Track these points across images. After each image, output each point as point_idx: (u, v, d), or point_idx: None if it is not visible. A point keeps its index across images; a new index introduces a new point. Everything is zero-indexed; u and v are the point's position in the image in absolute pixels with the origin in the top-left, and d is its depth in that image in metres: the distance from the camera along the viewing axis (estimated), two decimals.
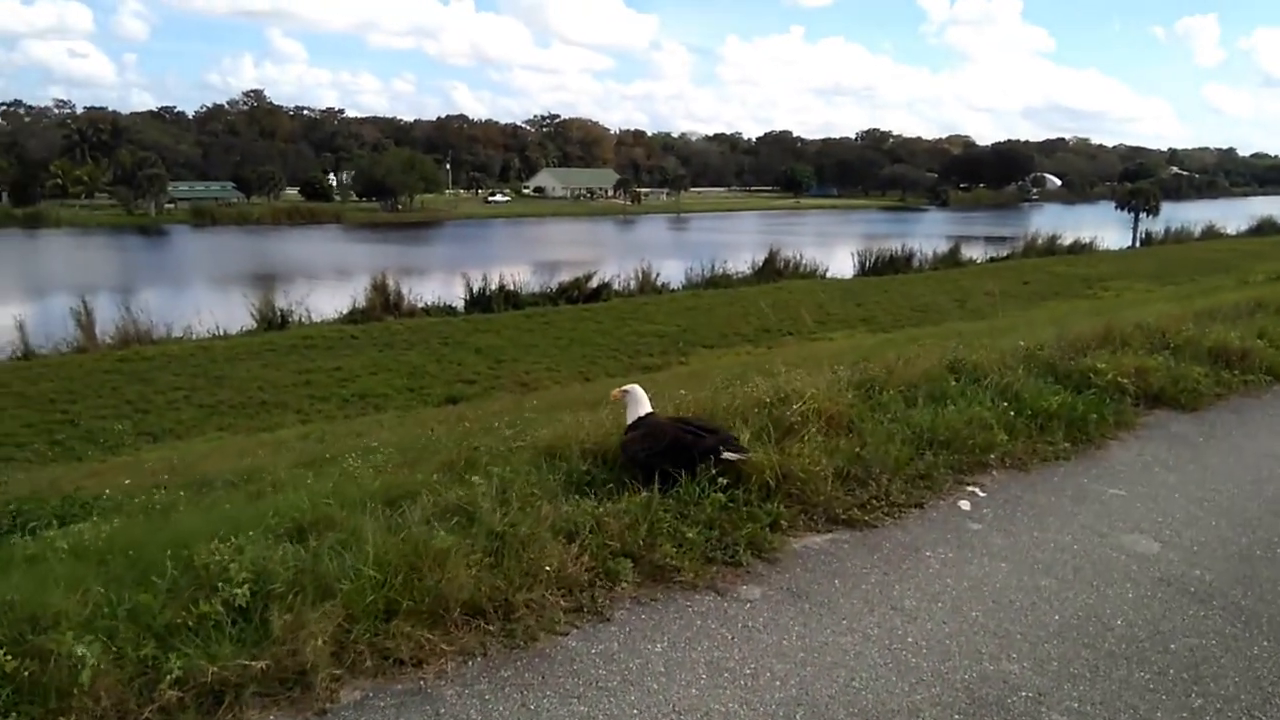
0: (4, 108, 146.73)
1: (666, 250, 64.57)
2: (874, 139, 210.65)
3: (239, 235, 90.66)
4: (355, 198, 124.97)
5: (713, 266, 41.77)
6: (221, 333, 31.11)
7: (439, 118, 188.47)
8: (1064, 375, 7.96)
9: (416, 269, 53.88)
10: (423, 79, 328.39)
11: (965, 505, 5.76)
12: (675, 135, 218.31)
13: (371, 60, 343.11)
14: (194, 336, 30.38)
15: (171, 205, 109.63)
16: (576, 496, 4.95)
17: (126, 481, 9.40)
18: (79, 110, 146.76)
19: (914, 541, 5.22)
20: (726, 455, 5.07)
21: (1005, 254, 55.94)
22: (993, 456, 6.39)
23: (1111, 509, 5.84)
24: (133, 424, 19.52)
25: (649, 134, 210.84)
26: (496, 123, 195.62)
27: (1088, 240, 57.96)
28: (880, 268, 47.13)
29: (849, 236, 77.89)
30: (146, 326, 30.17)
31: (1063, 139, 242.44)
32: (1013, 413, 6.85)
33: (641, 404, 5.30)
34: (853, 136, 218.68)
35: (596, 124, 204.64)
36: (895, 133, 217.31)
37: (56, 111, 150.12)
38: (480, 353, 25.70)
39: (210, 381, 23.55)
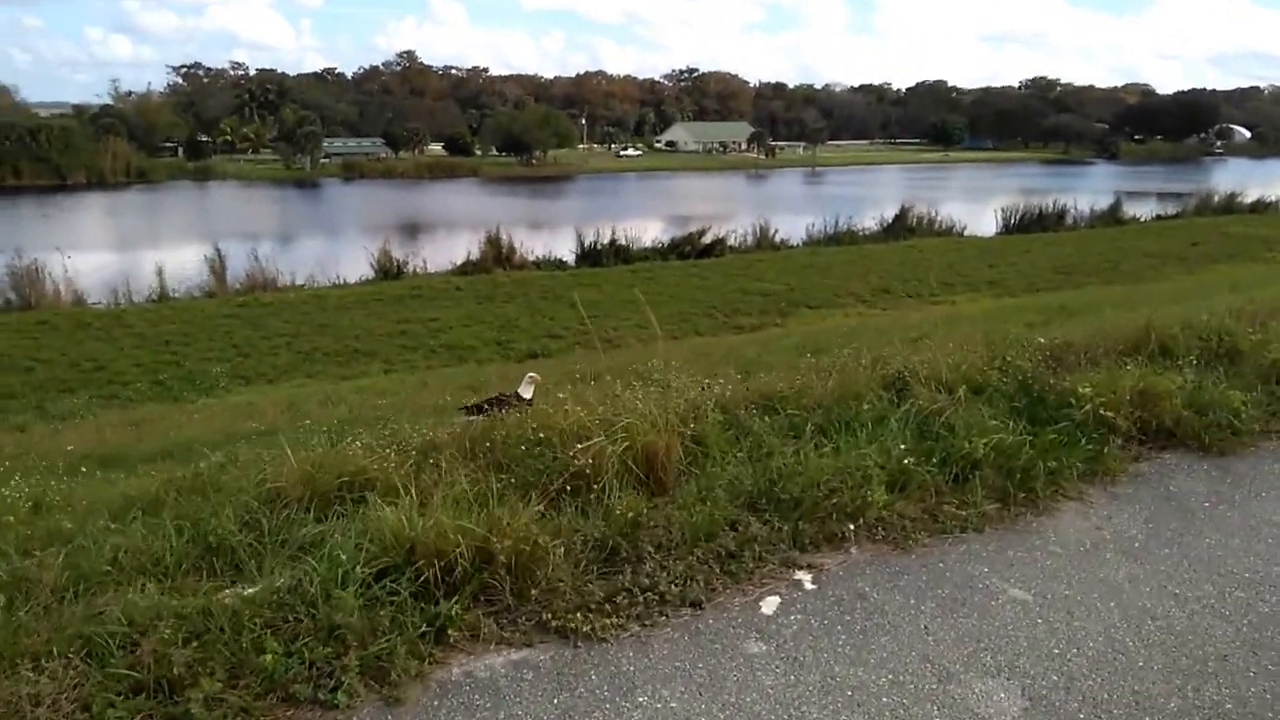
0: (185, 70, 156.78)
1: (795, 205, 62.34)
2: (1039, 88, 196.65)
3: (382, 188, 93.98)
4: (495, 153, 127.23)
5: (837, 222, 39.67)
6: (341, 281, 32.01)
7: (578, 74, 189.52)
8: (1040, 399, 5.74)
9: (541, 221, 54.11)
10: (571, 36, 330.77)
11: (771, 606, 3.84)
12: (818, 87, 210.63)
13: (526, 20, 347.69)
14: (315, 284, 31.33)
15: (326, 160, 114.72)
16: None
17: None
18: (252, 72, 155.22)
19: (643, 673, 3.37)
20: None
21: (1174, 212, 50.77)
22: (859, 524, 4.44)
23: (989, 628, 3.72)
24: (231, 367, 20.07)
25: (790, 86, 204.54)
26: (634, 78, 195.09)
27: (1274, 199, 51.85)
28: (1026, 225, 43.68)
29: (998, 191, 72.97)
30: (273, 274, 31.31)
31: (1256, 88, 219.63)
32: (909, 459, 4.77)
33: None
34: (1015, 85, 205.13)
35: (735, 77, 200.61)
36: (1064, 81, 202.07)
37: (231, 73, 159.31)
38: (572, 307, 25.19)
39: (314, 329, 24.05)
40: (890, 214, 42.09)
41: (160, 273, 28.82)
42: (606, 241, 33.92)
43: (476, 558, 3.67)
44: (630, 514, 4.14)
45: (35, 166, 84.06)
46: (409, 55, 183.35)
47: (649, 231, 36.97)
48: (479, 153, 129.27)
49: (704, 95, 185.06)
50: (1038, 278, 30.06)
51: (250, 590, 3.42)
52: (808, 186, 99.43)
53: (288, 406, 12.79)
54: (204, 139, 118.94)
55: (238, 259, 32.35)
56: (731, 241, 36.25)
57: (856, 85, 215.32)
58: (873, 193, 76.61)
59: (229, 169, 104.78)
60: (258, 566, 3.63)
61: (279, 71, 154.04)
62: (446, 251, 37.60)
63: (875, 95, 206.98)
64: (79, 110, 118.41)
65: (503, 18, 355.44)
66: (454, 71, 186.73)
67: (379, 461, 4.35)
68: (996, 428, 5.15)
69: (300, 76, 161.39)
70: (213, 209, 75.01)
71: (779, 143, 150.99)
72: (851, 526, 4.43)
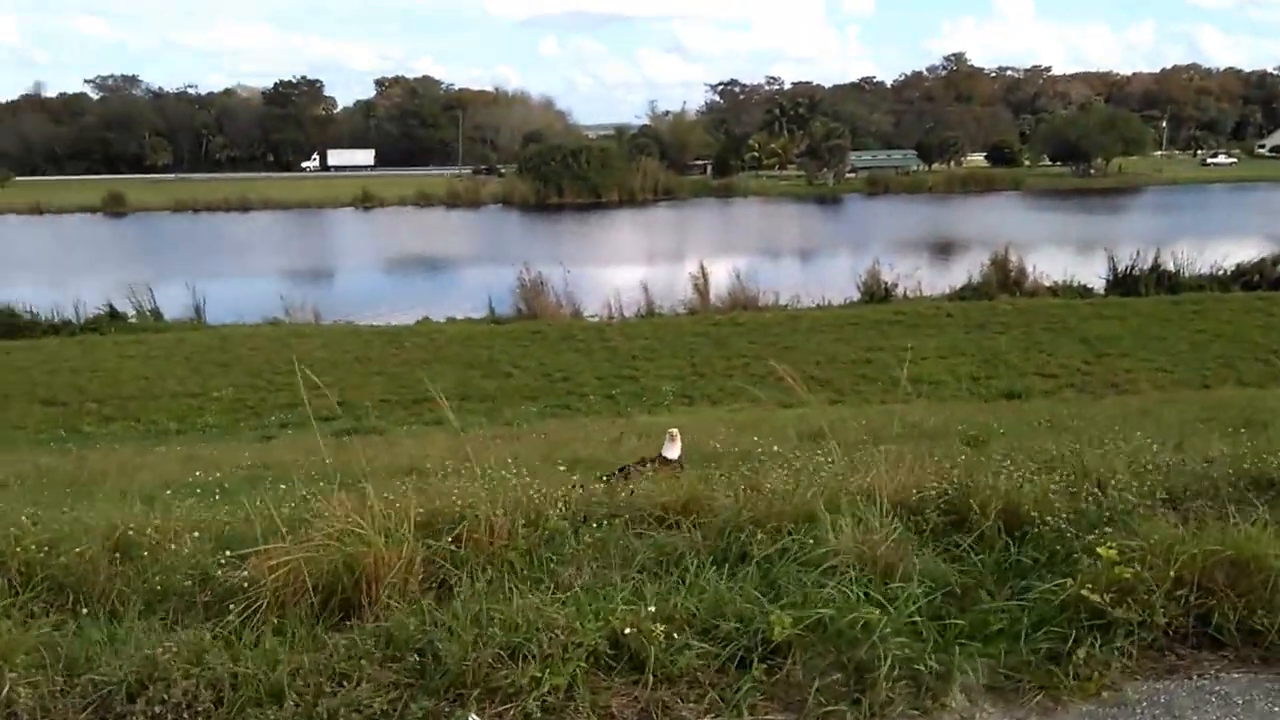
0: (721, 87, 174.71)
1: None
2: None
3: (905, 203, 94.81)
4: (1046, 162, 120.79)
5: None
6: (825, 303, 33.01)
7: (1163, 69, 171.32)
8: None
9: (1089, 240, 50.07)
10: (1162, 24, 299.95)
11: None
12: None
13: (1104, 9, 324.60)
14: (796, 305, 32.69)
15: (852, 174, 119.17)
16: None
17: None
18: (786, 86, 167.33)
19: None
20: None
21: None
22: None
23: None
24: (681, 386, 21.78)
25: None
26: (1237, 71, 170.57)
27: None
28: None
29: None
30: (754, 293, 33.42)
31: None
32: None
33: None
34: None
35: None
36: None
37: (766, 89, 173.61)
38: (1085, 342, 22.97)
39: (776, 352, 24.99)
40: None
41: (645, 288, 32.36)
42: (1148, 266, 30.19)
43: None
44: None
45: (575, 185, 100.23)
46: (957, 58, 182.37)
47: (1212, 255, 32.10)
48: (1026, 163, 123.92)
49: None
50: None
51: None
52: None
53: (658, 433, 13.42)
54: (732, 156, 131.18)
55: (730, 277, 34.97)
56: None
57: None
58: None
59: (750, 185, 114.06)
60: None
61: (813, 83, 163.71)
62: (949, 274, 36.71)
63: None
64: (619, 131, 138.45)
65: (1076, 8, 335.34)
66: (1008, 73, 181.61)
67: None
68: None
69: (835, 88, 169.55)
70: (725, 226, 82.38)
71: None
72: None
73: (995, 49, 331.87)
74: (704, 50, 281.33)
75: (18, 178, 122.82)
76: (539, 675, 3.19)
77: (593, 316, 32.28)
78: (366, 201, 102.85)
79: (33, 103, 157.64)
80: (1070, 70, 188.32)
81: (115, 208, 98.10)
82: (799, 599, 3.55)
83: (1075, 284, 31.46)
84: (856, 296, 33.52)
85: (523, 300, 32.20)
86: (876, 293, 33.05)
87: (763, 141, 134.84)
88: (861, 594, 3.56)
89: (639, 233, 78.33)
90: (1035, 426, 10.25)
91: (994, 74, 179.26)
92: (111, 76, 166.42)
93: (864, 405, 18.17)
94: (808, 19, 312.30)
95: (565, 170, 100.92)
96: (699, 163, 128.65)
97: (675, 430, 5.45)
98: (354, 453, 5.18)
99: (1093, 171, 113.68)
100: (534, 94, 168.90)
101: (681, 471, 4.98)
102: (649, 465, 5.37)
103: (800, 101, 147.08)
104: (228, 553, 4.04)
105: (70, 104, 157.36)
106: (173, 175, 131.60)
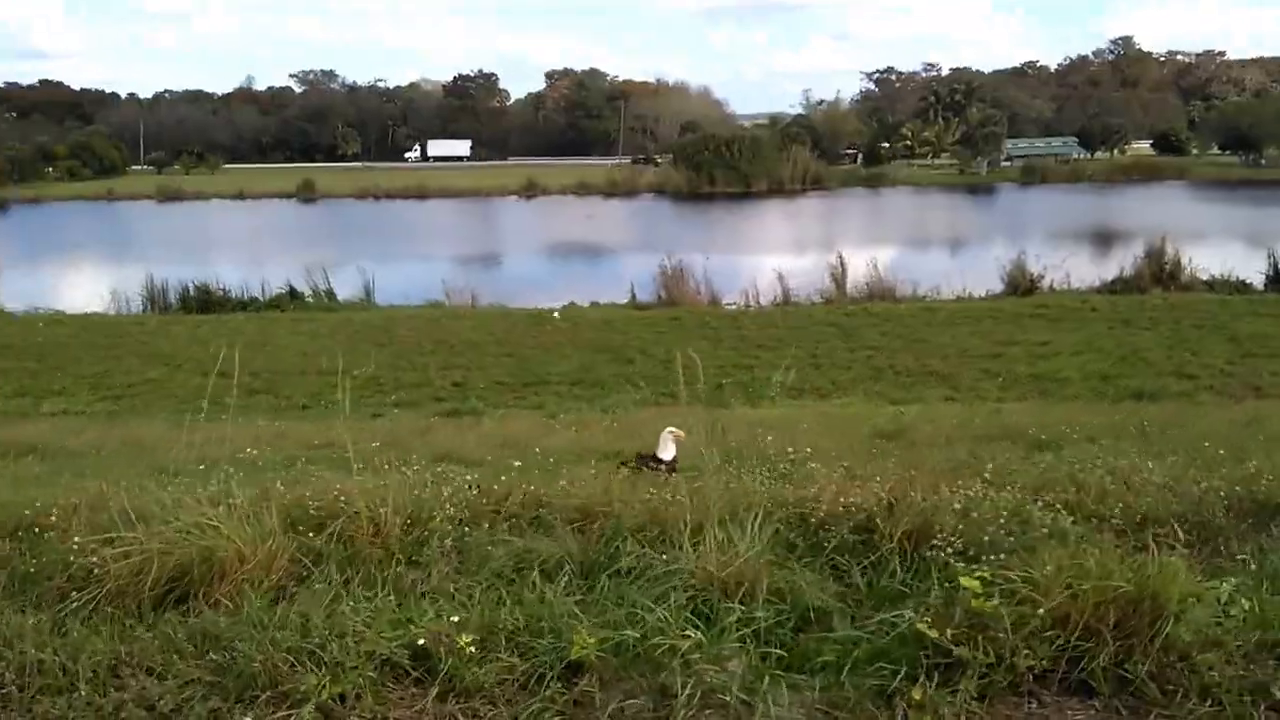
0: (877, 75, 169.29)
1: None
2: None
3: (1062, 194, 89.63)
4: (1216, 151, 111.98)
5: None
6: (965, 294, 31.60)
7: None
8: None
9: (1243, 234, 46.22)
10: None
11: None
12: None
13: None
14: (935, 296, 31.41)
15: (1007, 163, 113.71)
16: None
17: None
18: (944, 72, 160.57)
19: None
20: None
21: None
22: None
23: None
24: (795, 377, 21.16)
25: None
26: None
27: None
28: None
29: None
30: (892, 283, 32.30)
31: None
32: None
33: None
34: None
35: None
36: None
37: (922, 75, 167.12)
38: (1234, 341, 21.18)
39: (904, 344, 24.13)
40: None
41: (781, 279, 31.73)
42: None
43: None
44: None
45: (727, 174, 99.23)
46: (1125, 41, 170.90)
47: None
48: (1194, 152, 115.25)
49: None
50: None
51: None
52: None
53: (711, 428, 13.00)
54: (884, 145, 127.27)
55: (868, 267, 33.92)
56: None
57: None
58: None
59: (900, 175, 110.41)
60: None
61: (972, 69, 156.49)
62: (1101, 266, 34.57)
63: None
64: (773, 120, 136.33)
65: None
66: (1179, 56, 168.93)
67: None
68: None
69: (995, 73, 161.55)
70: (872, 215, 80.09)
71: None
72: None
73: (1166, 32, 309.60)
74: (865, 36, 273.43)
75: (226, 165, 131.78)
76: (322, 682, 3.06)
77: (732, 304, 31.89)
78: (530, 190, 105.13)
79: (244, 95, 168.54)
80: (1247, 55, 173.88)
81: (306, 193, 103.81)
82: (620, 617, 3.32)
83: (1233, 279, 28.97)
84: (1000, 289, 31.96)
85: (663, 287, 32.14)
86: (1020, 285, 31.37)
87: (916, 129, 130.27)
88: (689, 615, 3.31)
89: (786, 222, 77.03)
90: (1125, 433, 9.40)
91: (1163, 58, 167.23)
92: (312, 71, 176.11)
93: (977, 403, 17.31)
94: (972, 1, 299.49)
95: (717, 160, 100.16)
96: (850, 152, 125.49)
97: (674, 430, 5.33)
98: (400, 434, 5.22)
99: (1263, 162, 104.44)
100: (693, 84, 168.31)
101: (670, 474, 4.76)
102: (649, 464, 5.15)
103: (957, 88, 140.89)
104: (80, 538, 4.01)
105: (276, 97, 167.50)
106: (359, 164, 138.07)
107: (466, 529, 4.19)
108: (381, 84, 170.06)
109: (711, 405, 18.01)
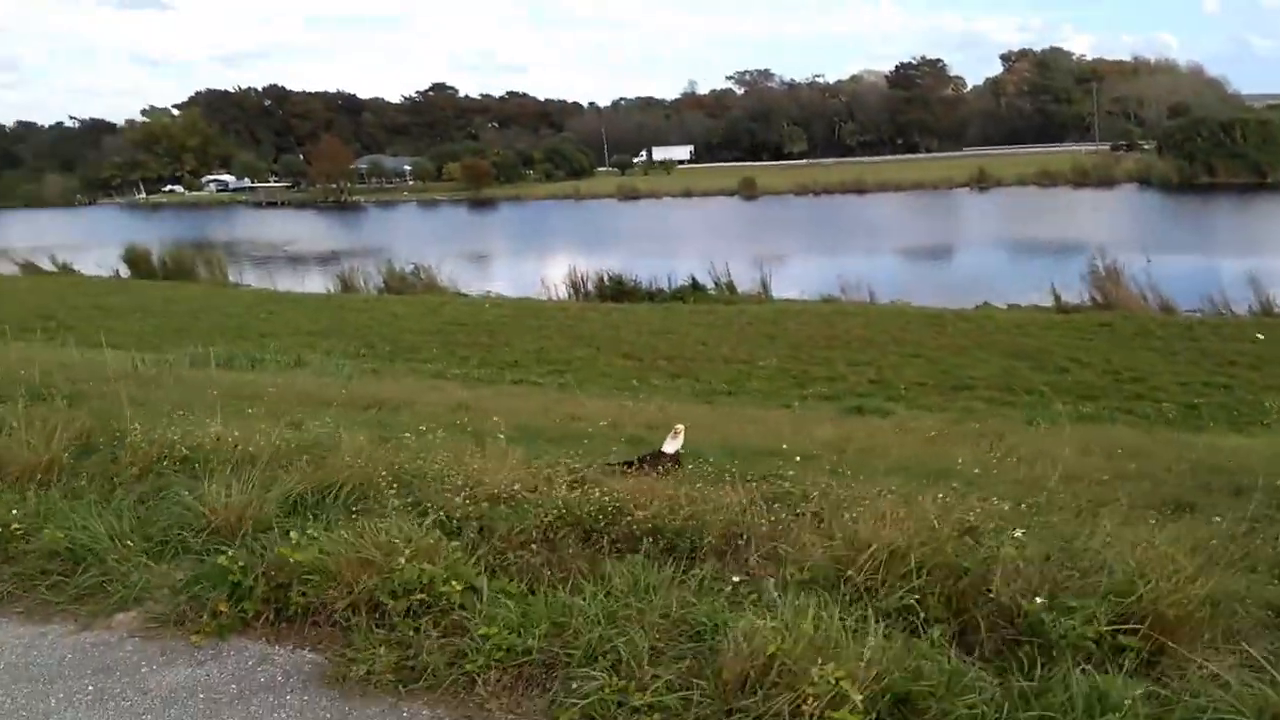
0: None
1: None
2: None
3: None
4: None
5: None
6: None
7: None
8: None
9: None
10: None
11: None
12: None
13: None
14: None
15: None
16: None
17: None
18: None
19: None
20: None
21: None
22: None
23: None
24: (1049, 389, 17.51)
25: None
26: None
27: None
28: None
29: None
30: None
31: None
32: None
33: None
34: None
35: None
36: None
37: None
38: None
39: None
40: None
41: (1257, 281, 26.27)
42: None
43: None
44: None
45: (1230, 163, 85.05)
46: None
47: None
48: None
49: None
50: None
51: None
52: None
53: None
54: None
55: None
56: None
57: None
58: None
59: None
60: None
61: None
62: None
63: None
64: None
65: None
66: None
67: None
68: None
69: None
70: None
71: None
72: None
73: None
74: None
75: (680, 165, 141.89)
76: None
77: (1195, 311, 27.02)
78: (982, 182, 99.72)
79: (690, 100, 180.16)
80: None
81: (747, 191, 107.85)
82: None
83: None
84: None
85: (1096, 288, 28.13)
86: None
87: None
88: None
89: None
90: None
91: None
92: (749, 72, 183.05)
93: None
94: None
95: (1215, 146, 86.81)
96: None
97: (680, 426, 5.60)
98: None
99: None
100: (1181, 61, 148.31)
101: (675, 468, 5.01)
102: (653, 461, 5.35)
103: None
104: None
105: (719, 100, 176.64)
106: (804, 161, 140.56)
107: None
108: (820, 79, 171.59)
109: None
